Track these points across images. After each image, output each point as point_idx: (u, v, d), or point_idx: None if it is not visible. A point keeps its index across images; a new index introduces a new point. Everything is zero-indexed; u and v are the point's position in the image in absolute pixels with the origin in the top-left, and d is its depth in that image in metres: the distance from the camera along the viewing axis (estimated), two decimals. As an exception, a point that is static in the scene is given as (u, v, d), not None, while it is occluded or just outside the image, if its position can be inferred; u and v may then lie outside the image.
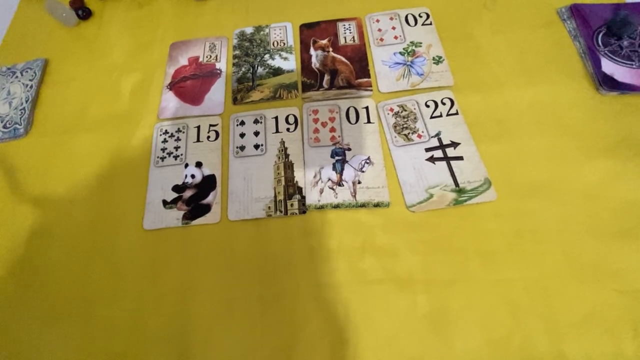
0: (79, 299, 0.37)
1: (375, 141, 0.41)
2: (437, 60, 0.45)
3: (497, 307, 0.33)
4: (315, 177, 0.39)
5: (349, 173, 0.39)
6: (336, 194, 0.38)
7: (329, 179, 0.39)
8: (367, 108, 0.43)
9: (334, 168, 0.40)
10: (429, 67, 0.45)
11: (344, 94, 0.45)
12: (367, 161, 0.39)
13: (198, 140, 0.44)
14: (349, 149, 0.41)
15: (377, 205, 0.37)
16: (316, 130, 0.42)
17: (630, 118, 0.40)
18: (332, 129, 0.42)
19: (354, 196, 0.38)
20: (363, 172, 0.39)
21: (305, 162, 0.40)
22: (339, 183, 0.39)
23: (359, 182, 0.39)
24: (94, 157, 0.44)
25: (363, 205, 0.37)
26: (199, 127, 0.44)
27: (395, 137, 0.41)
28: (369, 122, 0.42)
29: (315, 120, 0.43)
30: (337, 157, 0.40)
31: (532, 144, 0.39)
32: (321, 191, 0.38)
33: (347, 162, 0.40)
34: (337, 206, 0.38)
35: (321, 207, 0.38)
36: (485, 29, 0.47)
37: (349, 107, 0.43)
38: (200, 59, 0.50)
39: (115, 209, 0.41)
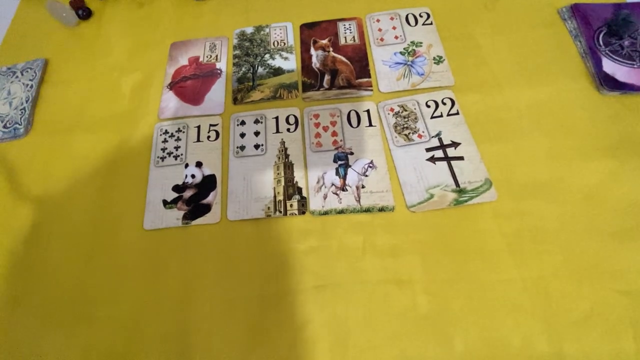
0: (79, 299, 0.37)
1: (378, 144, 0.41)
2: (438, 60, 0.45)
3: (497, 307, 0.33)
4: (318, 182, 0.39)
5: (352, 177, 0.39)
6: (340, 199, 0.38)
7: (333, 184, 0.39)
8: (368, 111, 0.43)
9: (337, 173, 0.39)
10: (429, 67, 0.45)
11: (345, 93, 0.45)
12: (371, 165, 0.39)
13: (198, 140, 0.43)
14: (352, 153, 0.41)
15: (381, 209, 0.37)
16: (318, 135, 0.42)
17: (631, 118, 0.40)
18: (334, 133, 0.42)
19: (358, 201, 0.38)
20: (366, 176, 0.39)
21: (307, 167, 0.40)
22: (343, 188, 0.39)
23: (363, 187, 0.39)
24: (94, 157, 0.44)
25: (368, 210, 0.37)
26: (199, 127, 0.44)
27: (396, 137, 0.41)
28: (370, 125, 0.42)
29: (317, 125, 0.42)
30: (339, 162, 0.40)
31: (533, 144, 0.39)
32: (325, 197, 0.38)
33: (350, 166, 0.40)
34: (341, 211, 0.38)
35: (325, 213, 0.38)
36: (485, 29, 0.47)
37: (350, 110, 0.43)
38: (201, 59, 0.50)
39: (115, 209, 0.41)
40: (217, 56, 0.50)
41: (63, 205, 0.42)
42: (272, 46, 0.50)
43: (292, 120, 0.43)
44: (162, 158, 0.43)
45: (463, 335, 0.32)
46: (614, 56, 0.42)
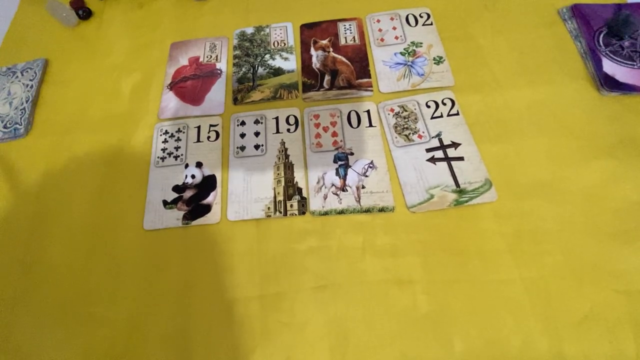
0: (79, 299, 0.37)
1: (378, 145, 0.41)
2: (438, 61, 0.45)
3: (497, 307, 0.33)
4: (318, 182, 0.39)
5: (352, 178, 0.39)
6: (340, 199, 0.38)
7: (333, 185, 0.39)
8: (368, 112, 0.43)
9: (337, 173, 0.39)
10: (429, 67, 0.45)
11: (345, 94, 0.45)
12: (371, 165, 0.39)
13: (198, 141, 0.43)
14: (352, 154, 0.40)
15: (382, 210, 0.37)
16: (318, 135, 0.42)
17: (631, 118, 0.40)
18: (334, 134, 0.42)
19: (358, 201, 0.38)
20: (366, 176, 0.39)
21: (307, 167, 0.40)
22: (343, 188, 0.39)
23: (363, 187, 0.38)
24: (94, 157, 0.44)
25: (368, 211, 0.37)
26: (199, 127, 0.44)
27: (396, 137, 0.41)
28: (370, 125, 0.42)
29: (317, 125, 0.42)
30: (339, 162, 0.40)
31: (533, 144, 0.39)
32: (325, 197, 0.38)
33: (350, 166, 0.40)
34: (341, 212, 0.38)
35: (325, 214, 0.38)
36: (486, 29, 0.47)
37: (350, 111, 0.43)
38: (201, 59, 0.50)
39: (115, 209, 0.41)
40: (217, 56, 0.50)
41: (63, 205, 0.42)
42: (272, 46, 0.50)
43: (292, 120, 0.43)
44: (162, 158, 0.43)
45: (463, 336, 0.32)
46: (614, 57, 0.42)
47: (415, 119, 0.42)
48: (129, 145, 0.44)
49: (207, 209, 0.39)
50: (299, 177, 0.40)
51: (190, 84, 0.48)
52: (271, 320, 0.34)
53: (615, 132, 0.39)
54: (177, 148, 0.43)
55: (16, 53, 0.54)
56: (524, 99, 0.42)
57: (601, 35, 0.44)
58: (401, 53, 0.47)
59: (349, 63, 0.47)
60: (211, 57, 0.50)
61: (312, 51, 0.48)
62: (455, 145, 0.40)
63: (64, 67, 0.52)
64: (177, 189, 0.41)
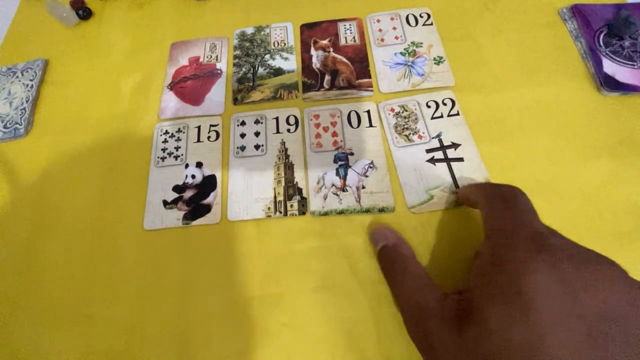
0: (79, 299, 0.37)
1: (378, 145, 0.41)
2: (438, 61, 0.45)
3: (498, 308, 0.33)
4: (318, 183, 0.39)
5: (352, 178, 0.39)
6: (340, 199, 0.38)
7: (333, 185, 0.39)
8: (368, 112, 0.43)
9: (337, 173, 0.39)
10: (429, 67, 0.45)
11: (345, 94, 0.45)
12: (371, 165, 0.39)
13: (198, 141, 0.43)
14: (352, 154, 0.40)
15: (382, 210, 0.37)
16: (318, 135, 0.42)
17: (631, 119, 0.40)
18: (334, 134, 0.42)
19: (359, 201, 0.38)
20: (367, 177, 0.39)
21: (307, 168, 0.40)
22: (343, 188, 0.39)
23: (363, 187, 0.38)
24: (94, 157, 0.44)
25: (368, 211, 0.37)
26: (199, 128, 0.44)
27: (396, 137, 0.41)
28: (370, 125, 0.42)
29: (317, 125, 0.42)
30: (340, 162, 0.40)
31: (533, 144, 0.39)
32: (325, 197, 0.38)
33: (350, 167, 0.40)
34: (341, 212, 0.37)
35: (325, 214, 0.38)
36: (486, 29, 0.47)
37: (350, 111, 0.43)
38: (201, 59, 0.50)
39: (115, 209, 0.41)
40: (217, 56, 0.50)
41: (63, 205, 0.42)
42: (273, 46, 0.50)
43: (292, 120, 0.43)
44: (163, 158, 0.43)
45: (463, 336, 0.32)
46: (614, 57, 0.42)
47: (416, 119, 0.42)
48: (129, 145, 0.44)
49: (207, 209, 0.39)
50: (299, 177, 0.40)
51: (191, 84, 0.48)
52: (271, 321, 0.34)
53: (615, 132, 0.39)
54: (177, 148, 0.43)
55: (16, 53, 0.54)
56: (524, 99, 0.42)
57: (601, 36, 0.44)
58: (401, 53, 0.47)
59: (349, 63, 0.47)
60: (211, 57, 0.50)
61: (312, 51, 0.48)
62: (455, 146, 0.40)
63: (64, 67, 0.52)
64: (177, 189, 0.41)
